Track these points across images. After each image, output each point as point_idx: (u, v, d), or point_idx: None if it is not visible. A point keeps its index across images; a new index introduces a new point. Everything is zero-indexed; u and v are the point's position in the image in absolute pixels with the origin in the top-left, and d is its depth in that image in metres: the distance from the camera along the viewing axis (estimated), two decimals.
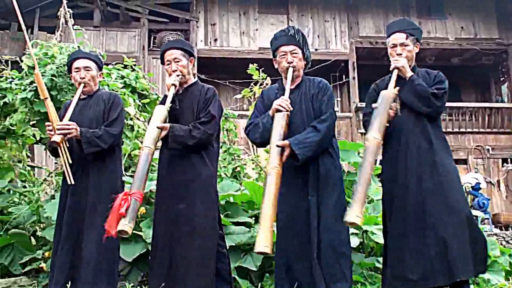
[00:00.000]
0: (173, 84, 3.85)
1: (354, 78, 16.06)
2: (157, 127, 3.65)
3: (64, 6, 5.93)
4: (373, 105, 3.65)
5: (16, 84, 5.46)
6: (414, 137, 3.74)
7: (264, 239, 3.19)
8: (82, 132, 3.83)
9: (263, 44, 15.62)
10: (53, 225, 4.94)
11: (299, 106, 3.79)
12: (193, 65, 4.12)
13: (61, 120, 3.88)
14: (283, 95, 3.76)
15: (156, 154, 3.92)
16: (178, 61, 3.94)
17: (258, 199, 5.10)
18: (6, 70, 6.02)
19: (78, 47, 5.54)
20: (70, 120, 3.88)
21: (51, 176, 7.23)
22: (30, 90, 5.03)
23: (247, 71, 6.82)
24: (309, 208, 3.62)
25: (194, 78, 4.12)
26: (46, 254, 5.02)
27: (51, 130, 3.81)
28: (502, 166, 16.18)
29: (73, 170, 3.89)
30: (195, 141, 3.74)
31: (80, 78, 4.08)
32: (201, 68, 15.29)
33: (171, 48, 4.00)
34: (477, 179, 14.24)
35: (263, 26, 16.01)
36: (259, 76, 6.55)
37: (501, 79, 17.71)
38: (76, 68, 4.13)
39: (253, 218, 5.03)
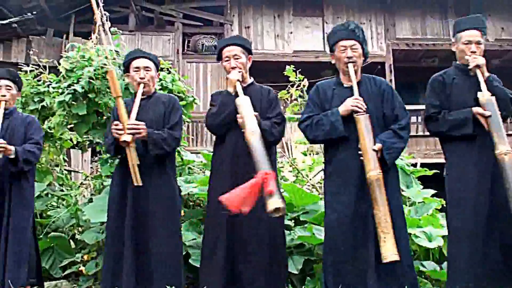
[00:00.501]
0: (238, 80, 3.79)
1: (391, 80, 15.78)
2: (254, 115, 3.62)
3: (100, 9, 5.88)
4: (479, 111, 3.54)
5: (53, 88, 5.43)
6: (489, 141, 3.56)
7: (392, 248, 3.23)
8: (149, 133, 3.79)
9: (297, 47, 15.51)
10: (91, 228, 5.11)
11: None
12: (250, 63, 4.08)
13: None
14: (344, 92, 3.69)
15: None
16: (238, 58, 3.91)
17: (297, 202, 5.07)
18: (44, 73, 6.03)
19: (116, 51, 5.51)
20: None
21: (88, 180, 7.26)
22: (68, 93, 4.98)
23: (283, 73, 6.71)
24: (366, 211, 3.51)
25: (250, 78, 4.07)
26: (85, 257, 5.06)
27: (120, 129, 3.73)
28: None
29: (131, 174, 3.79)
30: (273, 139, 3.77)
31: (140, 78, 4.00)
32: None
33: (231, 44, 3.95)
34: None
35: (298, 29, 15.85)
36: (296, 78, 6.41)
37: None
38: (135, 67, 4.05)
39: (293, 221, 4.97)
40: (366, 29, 16.07)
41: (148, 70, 4.05)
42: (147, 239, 3.77)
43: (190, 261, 4.44)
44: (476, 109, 3.57)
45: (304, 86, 6.51)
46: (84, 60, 5.20)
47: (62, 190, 6.48)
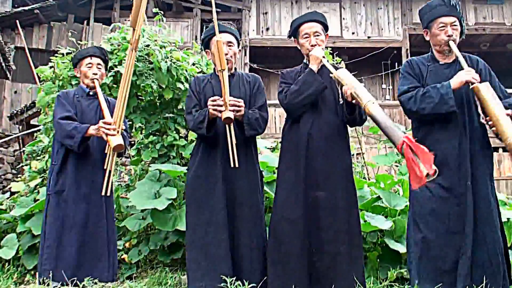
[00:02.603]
0: (323, 57, 3.57)
1: None
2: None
3: None
4: None
5: None
6: None
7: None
8: (245, 113, 3.56)
9: None
10: (133, 214, 4.96)
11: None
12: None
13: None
14: (445, 72, 3.50)
15: None
16: (318, 35, 3.67)
17: None
18: None
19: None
20: (206, 97, 3.63)
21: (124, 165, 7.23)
22: (110, 76, 4.96)
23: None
24: (465, 194, 3.34)
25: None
26: (127, 244, 4.94)
27: (220, 105, 3.45)
28: None
29: (220, 155, 3.62)
30: (359, 120, 3.57)
31: (224, 54, 3.63)
32: (253, 57, 15.34)
33: (312, 20, 3.70)
34: None
35: None
36: (333, 60, 6.39)
37: None
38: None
39: None
40: (383, 14, 16.15)
41: (231, 46, 3.79)
42: (236, 225, 3.55)
43: None
44: None
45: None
46: (126, 42, 5.13)
47: None
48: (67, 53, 5.67)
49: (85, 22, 14.89)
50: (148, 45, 5.11)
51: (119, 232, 5.22)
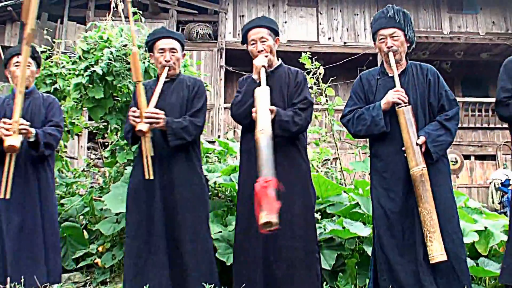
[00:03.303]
0: (263, 66, 3.50)
1: None
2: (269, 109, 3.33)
3: None
4: None
5: (68, 69, 5.25)
6: None
7: (439, 247, 3.10)
8: (168, 123, 3.52)
9: (292, 37, 15.58)
10: (107, 218, 4.86)
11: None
12: (278, 45, 3.78)
13: (135, 106, 3.54)
14: (388, 83, 3.50)
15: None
16: (264, 41, 3.62)
17: (322, 193, 4.89)
18: (57, 55, 5.86)
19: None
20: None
21: (89, 167, 7.16)
22: (86, 75, 4.83)
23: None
24: (413, 208, 3.33)
25: (278, 60, 3.80)
26: (100, 248, 4.83)
27: (137, 117, 3.45)
28: None
29: (156, 163, 3.56)
30: (297, 128, 3.48)
31: (165, 60, 3.73)
32: (229, 60, 15.27)
33: (257, 26, 3.66)
34: (507, 175, 14.12)
35: (292, 19, 15.89)
36: (312, 65, 6.37)
37: None
38: (160, 49, 3.76)
39: (319, 213, 4.78)
40: (360, 21, 16.24)
41: (174, 52, 3.77)
42: (178, 233, 3.53)
43: (217, 255, 4.09)
44: None
45: (320, 74, 6.41)
46: (103, 41, 5.03)
47: (62, 178, 6.19)
48: (42, 52, 5.50)
49: (59, 20, 14.63)
50: (125, 45, 5.01)
51: (92, 235, 5.17)
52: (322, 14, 16.06)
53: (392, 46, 3.50)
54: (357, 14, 16.34)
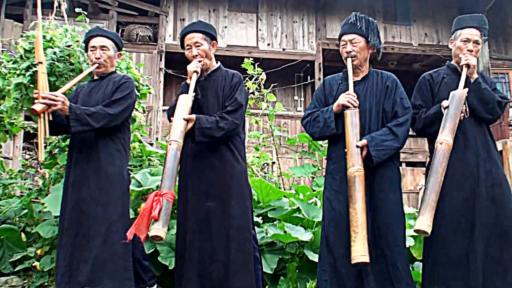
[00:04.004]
0: (195, 71, 3.55)
1: (319, 79, 16.20)
2: (184, 119, 3.37)
3: None
4: (443, 103, 3.45)
5: (8, 69, 5.10)
6: (474, 143, 3.56)
7: (361, 249, 3.07)
8: (71, 108, 3.46)
9: (231, 42, 15.67)
10: (46, 220, 4.75)
11: (363, 101, 3.53)
12: (215, 49, 3.81)
13: None
14: (347, 87, 3.53)
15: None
16: (199, 46, 3.66)
17: (263, 198, 4.95)
18: None
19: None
20: (77, 103, 3.63)
21: (26, 168, 7.00)
22: (28, 75, 4.71)
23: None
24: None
25: (217, 63, 3.86)
26: (39, 251, 4.73)
27: (35, 99, 3.44)
28: None
29: (74, 156, 3.60)
30: (223, 133, 3.50)
31: (96, 58, 3.80)
32: (168, 63, 15.22)
33: (192, 31, 3.70)
34: None
35: (232, 24, 15.98)
36: (254, 71, 6.43)
37: None
38: (92, 47, 3.83)
39: (260, 218, 4.85)
40: (298, 28, 16.47)
41: (105, 50, 3.83)
42: (87, 228, 3.47)
43: (159, 258, 4.16)
44: (442, 103, 3.48)
45: (262, 79, 6.48)
46: (46, 41, 4.90)
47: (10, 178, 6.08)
48: None
49: None
50: (69, 46, 4.94)
51: (30, 238, 5.03)
52: (262, 20, 16.22)
53: (351, 52, 3.58)
54: (296, 22, 16.58)
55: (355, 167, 3.27)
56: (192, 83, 3.53)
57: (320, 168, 7.10)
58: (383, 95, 3.58)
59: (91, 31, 3.97)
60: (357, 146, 3.32)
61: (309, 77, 16.76)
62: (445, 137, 3.29)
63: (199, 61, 3.64)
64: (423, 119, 3.65)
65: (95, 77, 3.91)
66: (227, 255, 3.41)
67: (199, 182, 3.54)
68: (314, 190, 5.49)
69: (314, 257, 4.26)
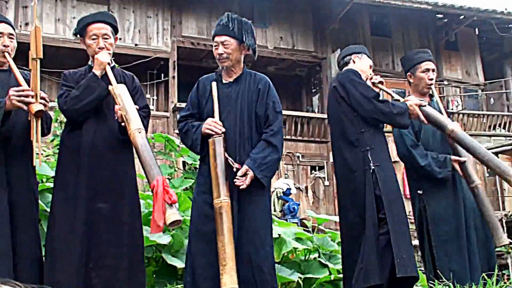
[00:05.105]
0: (108, 63, 3.39)
1: (174, 77, 15.84)
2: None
3: None
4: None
5: None
6: None
7: (230, 281, 3.07)
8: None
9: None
10: None
11: (234, 105, 3.54)
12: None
13: None
14: (228, 91, 3.56)
15: None
16: (107, 39, 3.49)
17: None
18: None
19: None
20: None
21: None
22: None
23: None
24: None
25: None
26: None
27: (27, 96, 3.08)
28: (311, 173, 16.96)
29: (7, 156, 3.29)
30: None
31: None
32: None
33: (102, 21, 3.51)
34: (288, 184, 14.87)
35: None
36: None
37: (313, 90, 18.63)
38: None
39: None
40: (153, 24, 16.06)
41: (11, 39, 3.47)
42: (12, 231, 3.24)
43: None
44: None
45: None
46: None
47: None
48: None
49: None
50: None
51: None
52: (114, 13, 15.33)
53: (222, 54, 3.53)
54: (150, 17, 16.11)
55: (220, 198, 3.26)
56: (110, 74, 3.36)
57: (176, 169, 7.05)
58: (255, 98, 3.57)
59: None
60: (240, 176, 3.33)
61: (162, 75, 16.36)
62: None
63: (109, 54, 3.47)
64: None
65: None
66: (117, 261, 3.28)
67: (92, 181, 3.34)
68: None
69: (173, 261, 4.28)
